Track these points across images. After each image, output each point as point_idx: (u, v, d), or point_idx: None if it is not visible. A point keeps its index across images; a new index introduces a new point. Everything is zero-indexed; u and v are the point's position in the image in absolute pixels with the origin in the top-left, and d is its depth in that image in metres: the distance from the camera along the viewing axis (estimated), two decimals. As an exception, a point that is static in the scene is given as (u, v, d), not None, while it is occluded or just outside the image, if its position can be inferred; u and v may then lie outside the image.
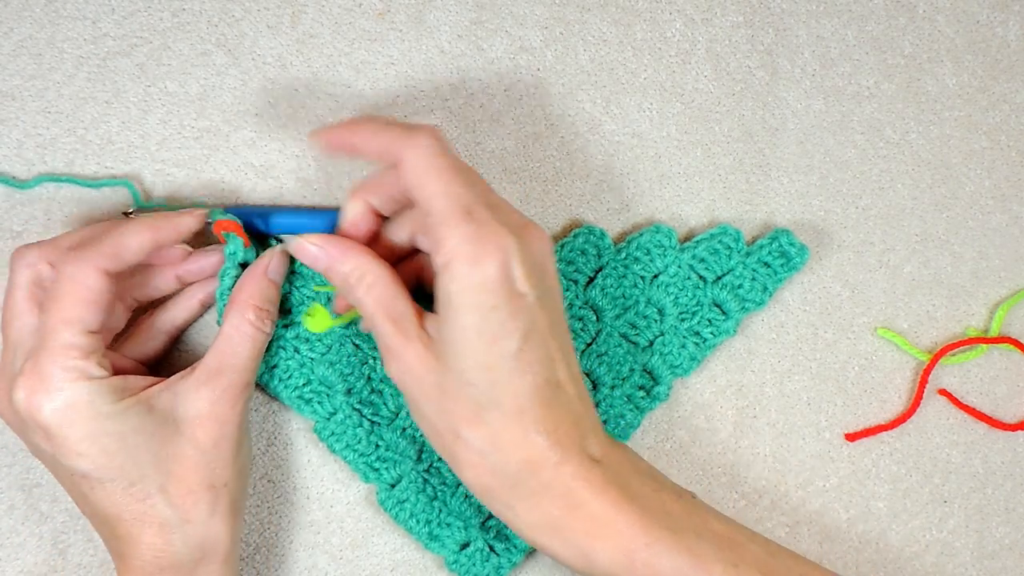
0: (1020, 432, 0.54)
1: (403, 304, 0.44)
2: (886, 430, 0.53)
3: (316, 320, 0.48)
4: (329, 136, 0.46)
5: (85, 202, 0.51)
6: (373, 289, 0.45)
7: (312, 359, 0.50)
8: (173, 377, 0.45)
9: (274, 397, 0.51)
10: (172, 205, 0.51)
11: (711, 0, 0.55)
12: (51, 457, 0.44)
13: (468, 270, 0.41)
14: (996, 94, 0.55)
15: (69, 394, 0.42)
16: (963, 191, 0.55)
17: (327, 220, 0.51)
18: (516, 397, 0.42)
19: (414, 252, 0.49)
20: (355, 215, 0.47)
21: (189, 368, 0.46)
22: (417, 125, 0.44)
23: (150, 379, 0.45)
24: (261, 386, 0.50)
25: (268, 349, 0.50)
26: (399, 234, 0.48)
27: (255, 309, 0.46)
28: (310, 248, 0.46)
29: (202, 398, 0.45)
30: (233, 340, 0.46)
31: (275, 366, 0.50)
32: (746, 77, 0.54)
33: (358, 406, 0.50)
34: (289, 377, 0.50)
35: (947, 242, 0.55)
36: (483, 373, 0.42)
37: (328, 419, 0.50)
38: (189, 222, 0.47)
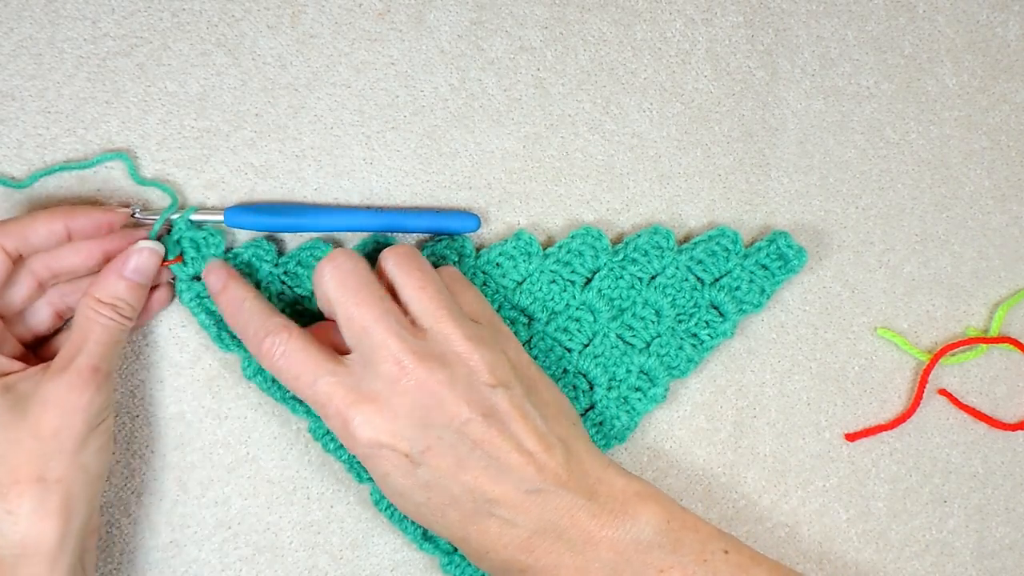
0: (1020, 432, 0.54)
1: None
2: (886, 430, 0.53)
3: None
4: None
5: (85, 200, 0.51)
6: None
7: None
8: (40, 365, 0.45)
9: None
10: (190, 221, 0.51)
11: (711, 0, 0.55)
12: None
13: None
14: (996, 94, 0.55)
15: None
16: (963, 191, 0.55)
17: (328, 220, 0.51)
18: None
19: None
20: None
21: (58, 355, 0.45)
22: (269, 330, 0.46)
23: (20, 364, 0.45)
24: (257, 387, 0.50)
25: None
26: None
27: (95, 300, 0.46)
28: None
29: (50, 385, 0.43)
30: (80, 327, 0.45)
31: (269, 367, 0.50)
32: (746, 77, 0.54)
33: (356, 406, 0.50)
34: (285, 377, 0.50)
35: (947, 242, 0.55)
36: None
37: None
38: (110, 218, 0.47)
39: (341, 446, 0.50)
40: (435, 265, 0.51)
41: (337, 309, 0.45)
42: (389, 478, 0.44)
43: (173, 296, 0.50)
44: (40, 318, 0.48)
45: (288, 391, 0.50)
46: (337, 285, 0.45)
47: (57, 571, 0.42)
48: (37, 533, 0.42)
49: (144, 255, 0.47)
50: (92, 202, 0.51)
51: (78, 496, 0.43)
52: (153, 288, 0.49)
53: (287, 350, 0.44)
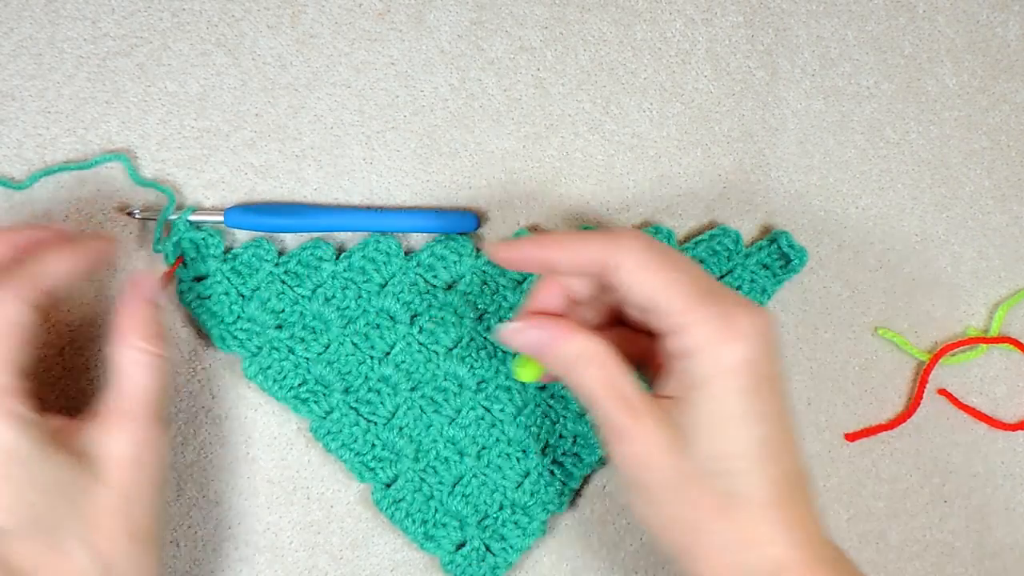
0: (1020, 432, 0.54)
1: (633, 385, 0.41)
2: (886, 430, 0.53)
3: (528, 370, 0.45)
4: (512, 253, 0.44)
5: (84, 202, 0.51)
6: (601, 368, 0.42)
7: (308, 359, 0.50)
8: (83, 418, 0.43)
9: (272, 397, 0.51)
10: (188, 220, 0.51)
11: (711, 0, 0.55)
12: None
13: (719, 352, 0.39)
14: (996, 94, 0.55)
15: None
16: (963, 191, 0.55)
17: (328, 220, 0.51)
18: (766, 489, 0.39)
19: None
20: (547, 300, 0.44)
21: (94, 409, 0.43)
22: (617, 230, 0.43)
23: (61, 419, 0.43)
24: (257, 387, 0.50)
25: (260, 351, 0.50)
26: (589, 316, 0.45)
27: (143, 337, 0.43)
28: (530, 332, 0.43)
29: (116, 440, 0.42)
30: (132, 374, 0.43)
31: (269, 367, 0.50)
32: (746, 77, 0.54)
33: (355, 405, 0.50)
34: (284, 377, 0.50)
35: (947, 242, 0.55)
36: (733, 461, 0.39)
37: (324, 418, 0.50)
38: (107, 247, 0.45)
39: (342, 445, 0.50)
40: (434, 265, 0.51)
41: None
42: None
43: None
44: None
45: (288, 391, 0.50)
46: None
47: None
48: None
49: (158, 279, 0.46)
50: (92, 202, 0.51)
51: (159, 540, 0.43)
52: None
53: None
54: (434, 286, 0.51)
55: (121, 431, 0.42)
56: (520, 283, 0.51)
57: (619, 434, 0.41)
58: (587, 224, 0.52)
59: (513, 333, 0.44)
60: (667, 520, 0.41)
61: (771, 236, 0.52)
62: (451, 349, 0.51)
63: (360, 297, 0.51)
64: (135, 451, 0.42)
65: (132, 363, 0.43)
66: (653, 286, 0.40)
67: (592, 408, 0.42)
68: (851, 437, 0.53)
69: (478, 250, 0.52)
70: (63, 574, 0.40)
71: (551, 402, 0.51)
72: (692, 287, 0.40)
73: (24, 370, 0.41)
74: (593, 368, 0.42)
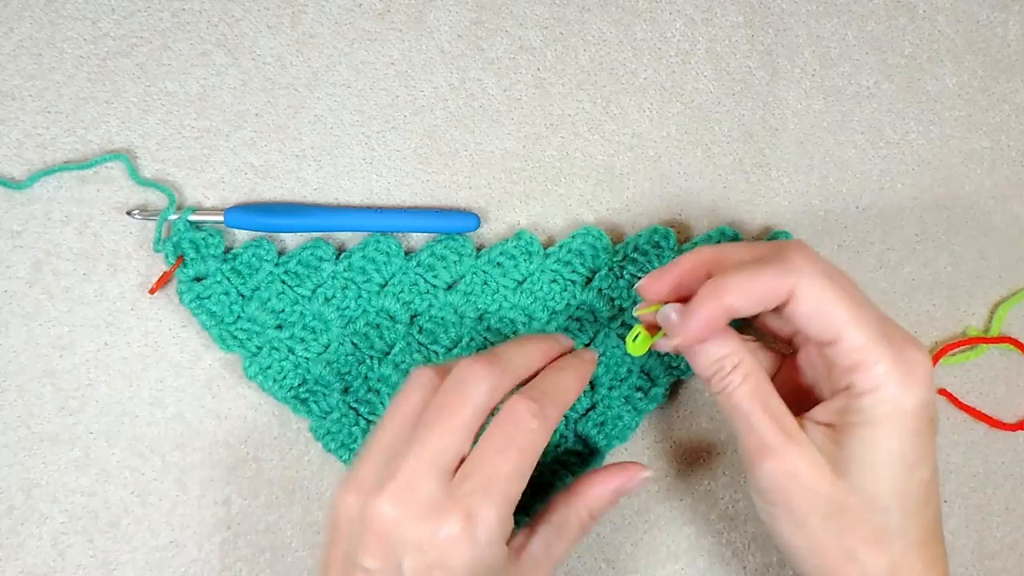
0: (1020, 432, 0.54)
1: (780, 402, 0.42)
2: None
3: (639, 344, 0.44)
4: (693, 324, 0.42)
5: (84, 202, 0.51)
6: (750, 379, 0.42)
7: (307, 359, 0.50)
8: (520, 551, 0.43)
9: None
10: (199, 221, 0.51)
11: (711, 0, 0.55)
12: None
13: (898, 395, 0.40)
14: (996, 94, 0.55)
15: (487, 550, 0.39)
16: (963, 191, 0.55)
17: (328, 220, 0.51)
18: (923, 528, 0.41)
19: None
20: (714, 318, 0.42)
21: (521, 544, 0.43)
22: (780, 247, 0.41)
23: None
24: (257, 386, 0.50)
25: (260, 351, 0.50)
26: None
27: (593, 512, 0.44)
28: (691, 322, 0.42)
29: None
30: (566, 534, 0.43)
31: (268, 367, 0.50)
32: (746, 77, 0.54)
33: (355, 405, 0.50)
34: (284, 377, 0.50)
35: (947, 242, 0.55)
36: (897, 499, 0.40)
37: (324, 418, 0.50)
38: (593, 363, 0.46)
39: (342, 445, 0.50)
40: (434, 265, 0.51)
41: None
42: None
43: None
44: None
45: (288, 391, 0.50)
46: None
47: None
48: None
49: (640, 476, 0.45)
50: (91, 203, 0.51)
51: None
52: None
53: None
54: (434, 286, 0.51)
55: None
56: (520, 283, 0.51)
57: (770, 451, 0.41)
58: (587, 225, 0.52)
59: (671, 315, 0.42)
60: (816, 544, 0.41)
61: (770, 236, 0.52)
62: (451, 349, 0.51)
63: (360, 297, 0.51)
64: None
65: (571, 525, 0.44)
66: (834, 319, 0.40)
67: (736, 419, 0.42)
68: (851, 437, 0.53)
69: (478, 250, 0.52)
70: None
71: None
72: (873, 321, 0.40)
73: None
74: (744, 380, 0.42)
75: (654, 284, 0.44)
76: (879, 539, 0.40)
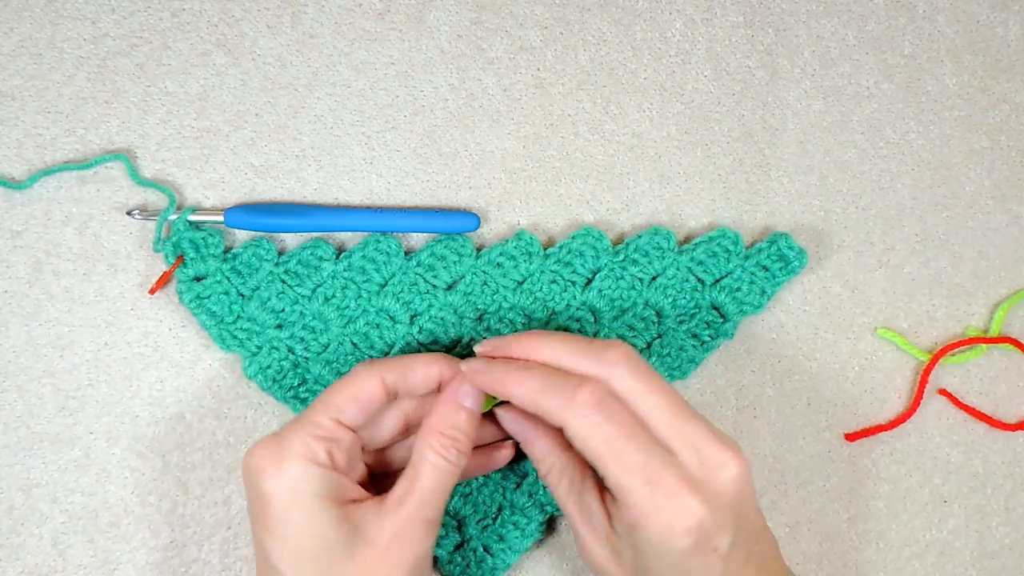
0: (1020, 432, 0.54)
1: (593, 501, 0.45)
2: (886, 430, 0.53)
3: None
4: (477, 377, 0.45)
5: (84, 202, 0.51)
6: (563, 480, 0.46)
7: (307, 359, 0.50)
8: (376, 497, 0.44)
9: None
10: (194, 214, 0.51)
11: (711, 0, 0.55)
12: (254, 526, 0.43)
13: (660, 537, 0.41)
14: (996, 94, 0.55)
15: (292, 469, 0.42)
16: (963, 191, 0.55)
17: (328, 220, 0.51)
18: None
19: None
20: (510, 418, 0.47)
21: (391, 491, 0.44)
22: (577, 377, 0.43)
23: (359, 492, 0.44)
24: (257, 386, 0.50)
25: (260, 351, 0.50)
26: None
27: (439, 436, 0.44)
28: (511, 417, 0.47)
29: (386, 525, 0.43)
30: (418, 468, 0.44)
31: (268, 367, 0.50)
32: (746, 77, 0.54)
33: (357, 406, 0.50)
34: (283, 377, 0.50)
35: (947, 242, 0.55)
36: None
37: (326, 418, 0.50)
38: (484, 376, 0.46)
39: None
40: (434, 265, 0.51)
41: None
42: None
43: (512, 455, 0.49)
44: (387, 429, 0.47)
45: (288, 391, 0.50)
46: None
47: None
48: None
49: (472, 386, 0.46)
50: (91, 203, 0.51)
51: None
52: (496, 446, 0.49)
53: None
54: (434, 286, 0.51)
55: (393, 517, 0.43)
56: (520, 283, 0.51)
57: (579, 539, 0.45)
58: (587, 226, 0.52)
59: (502, 410, 0.47)
60: None
61: (771, 238, 0.52)
62: (451, 349, 0.51)
63: (360, 297, 0.51)
64: (394, 544, 0.43)
65: (426, 462, 0.44)
66: (596, 457, 0.42)
67: (560, 505, 0.46)
68: (851, 437, 0.53)
69: (478, 250, 0.52)
70: None
71: None
72: (640, 468, 0.41)
73: (345, 425, 0.44)
74: (559, 480, 0.46)
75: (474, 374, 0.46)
76: None
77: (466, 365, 0.46)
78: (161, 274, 0.51)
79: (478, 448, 0.49)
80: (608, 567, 0.44)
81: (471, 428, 0.45)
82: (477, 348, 0.47)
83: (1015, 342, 0.54)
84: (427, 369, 0.46)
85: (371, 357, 0.50)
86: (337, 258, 0.51)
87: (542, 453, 0.46)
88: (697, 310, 0.52)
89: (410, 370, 0.45)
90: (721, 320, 0.52)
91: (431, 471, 0.43)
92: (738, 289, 0.52)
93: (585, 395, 0.42)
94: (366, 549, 0.42)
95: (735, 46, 0.55)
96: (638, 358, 0.43)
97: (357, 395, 0.44)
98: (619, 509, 0.43)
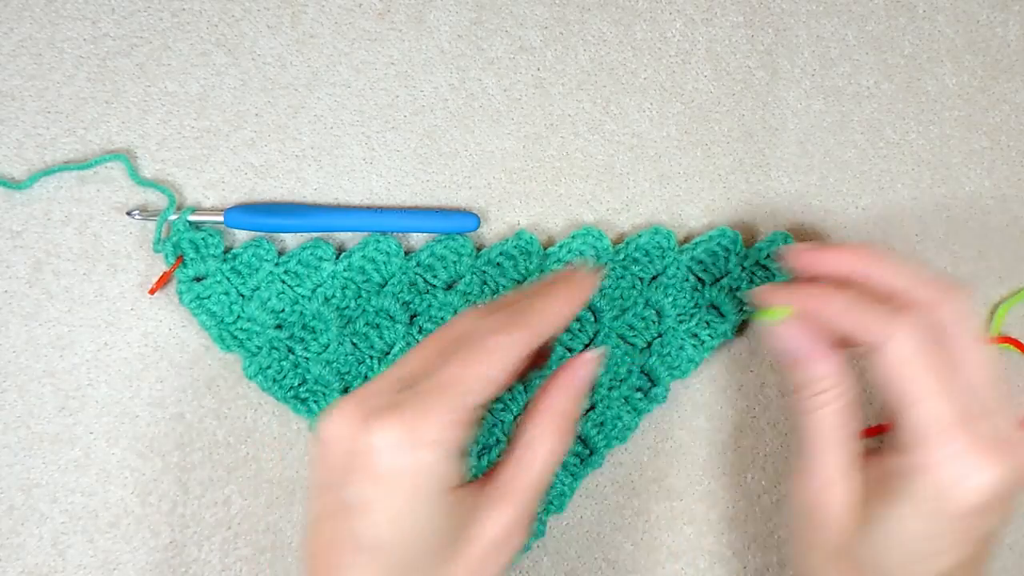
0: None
1: (854, 439, 0.42)
2: (887, 430, 0.53)
3: (768, 317, 0.45)
4: (790, 290, 0.43)
5: (84, 202, 0.51)
6: (835, 406, 0.42)
7: (307, 359, 0.50)
8: (475, 484, 0.39)
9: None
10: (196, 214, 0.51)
11: (711, 0, 0.55)
12: (340, 498, 0.37)
13: (946, 485, 0.39)
14: (996, 94, 0.55)
15: (426, 454, 0.36)
16: (963, 191, 0.55)
17: (328, 220, 0.51)
18: None
19: None
20: (798, 331, 0.43)
21: (493, 474, 0.40)
22: (905, 304, 0.41)
23: (461, 474, 0.39)
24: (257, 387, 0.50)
25: (260, 351, 0.50)
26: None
27: (559, 418, 0.40)
28: (795, 333, 0.43)
29: (493, 521, 0.38)
30: (531, 453, 0.39)
31: (268, 367, 0.50)
32: (746, 77, 0.54)
33: (357, 405, 0.50)
34: (283, 377, 0.50)
35: (947, 242, 0.55)
36: (901, 572, 0.41)
37: (326, 418, 0.50)
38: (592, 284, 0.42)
39: None
40: (433, 265, 0.51)
41: None
42: None
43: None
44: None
45: (288, 391, 0.50)
46: None
47: None
48: None
49: (590, 365, 0.41)
50: (91, 203, 0.51)
51: None
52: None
53: None
54: (434, 286, 0.51)
55: (498, 517, 0.38)
56: (520, 283, 0.51)
57: (818, 478, 0.42)
58: (587, 226, 0.52)
59: (779, 324, 0.43)
60: (813, 571, 0.43)
61: (771, 237, 0.52)
62: (451, 349, 0.51)
63: (360, 297, 0.51)
64: (501, 534, 0.38)
65: (544, 448, 0.39)
66: (909, 390, 0.40)
67: (808, 435, 0.43)
68: (851, 437, 0.53)
69: (478, 250, 0.52)
70: None
71: None
72: (951, 414, 0.39)
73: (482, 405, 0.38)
74: (830, 405, 0.42)
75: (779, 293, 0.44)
76: None
77: (762, 291, 0.44)
78: (161, 274, 0.51)
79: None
80: (835, 507, 0.41)
81: (577, 410, 0.41)
82: (779, 250, 0.44)
83: (1015, 342, 0.54)
84: (571, 306, 0.40)
85: (371, 357, 0.50)
86: (337, 258, 0.51)
87: (823, 373, 0.42)
88: (697, 309, 0.52)
89: (548, 328, 0.39)
90: (721, 320, 0.52)
91: (547, 458, 0.39)
92: (738, 288, 0.52)
93: (912, 318, 0.40)
94: (468, 547, 0.38)
95: (735, 46, 0.55)
96: (957, 318, 0.41)
97: (498, 379, 0.38)
98: (905, 448, 0.40)
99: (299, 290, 0.50)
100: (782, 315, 0.44)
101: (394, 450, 0.36)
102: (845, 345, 0.43)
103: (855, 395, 0.43)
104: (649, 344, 0.51)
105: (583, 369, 0.41)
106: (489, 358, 0.38)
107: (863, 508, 0.41)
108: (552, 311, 0.40)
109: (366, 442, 0.36)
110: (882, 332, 0.40)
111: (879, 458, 0.42)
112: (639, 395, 0.51)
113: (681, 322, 0.52)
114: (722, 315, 0.52)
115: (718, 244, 0.52)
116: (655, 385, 0.51)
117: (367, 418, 0.36)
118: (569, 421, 0.40)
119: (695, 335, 0.52)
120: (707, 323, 0.52)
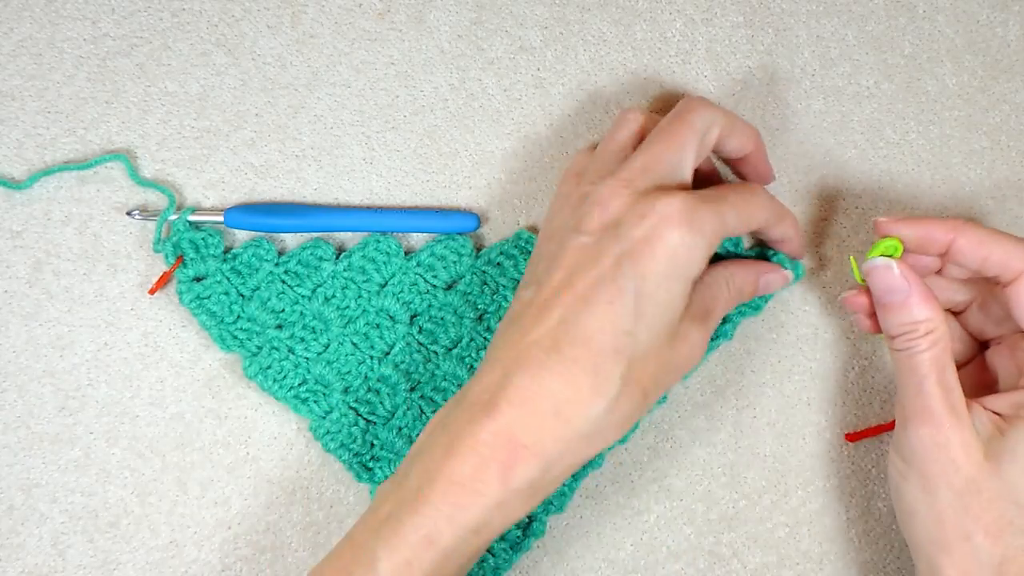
0: (1020, 432, 0.54)
1: (955, 377, 0.44)
2: (887, 430, 0.53)
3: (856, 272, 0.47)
4: (918, 229, 0.45)
5: (84, 202, 0.51)
6: (935, 347, 0.44)
7: (307, 358, 0.50)
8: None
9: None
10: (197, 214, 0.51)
11: (711, 0, 0.55)
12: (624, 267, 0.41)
13: None
14: (996, 94, 0.55)
15: (698, 238, 0.42)
16: (963, 191, 0.55)
17: (328, 220, 0.51)
18: None
19: None
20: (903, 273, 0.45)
21: None
22: None
23: None
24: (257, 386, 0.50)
25: (260, 351, 0.50)
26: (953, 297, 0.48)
27: (739, 278, 0.47)
28: (895, 273, 0.45)
29: (697, 333, 0.44)
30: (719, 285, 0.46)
31: (268, 367, 0.50)
32: (746, 77, 0.54)
33: (355, 405, 0.50)
34: (284, 377, 0.50)
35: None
36: None
37: (324, 418, 0.50)
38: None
39: (341, 445, 0.50)
40: (433, 265, 0.51)
41: None
42: None
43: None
44: None
45: (288, 391, 0.50)
46: None
47: None
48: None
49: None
50: (91, 203, 0.51)
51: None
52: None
53: None
54: (434, 286, 0.51)
55: (701, 332, 0.44)
56: (519, 283, 0.51)
57: (930, 418, 0.43)
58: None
59: (879, 264, 0.45)
60: (938, 514, 0.43)
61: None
62: (450, 349, 0.51)
63: (360, 297, 0.51)
64: (695, 350, 0.44)
65: (722, 288, 0.46)
66: None
67: (908, 380, 0.44)
68: (851, 437, 0.53)
69: (478, 250, 0.52)
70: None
71: None
72: None
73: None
74: (930, 347, 0.43)
75: (899, 224, 0.46)
76: (1001, 530, 0.42)
77: (884, 218, 0.46)
78: (161, 274, 0.51)
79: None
80: (955, 446, 0.43)
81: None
82: (883, 219, 0.46)
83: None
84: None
85: (371, 357, 0.50)
86: (337, 258, 0.51)
87: (931, 313, 0.44)
88: None
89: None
90: (721, 323, 0.51)
91: (722, 310, 0.46)
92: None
93: None
94: (681, 345, 0.43)
95: (735, 46, 0.55)
96: None
97: (752, 217, 0.44)
98: None
99: (299, 290, 0.50)
100: (893, 252, 0.45)
101: (681, 223, 0.41)
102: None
103: (948, 333, 0.44)
104: (649, 344, 0.51)
105: (778, 275, 0.48)
106: (752, 199, 0.46)
107: (985, 447, 0.43)
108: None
109: (650, 205, 0.42)
110: (1017, 265, 0.42)
111: (997, 398, 0.44)
112: None
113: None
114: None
115: (720, 247, 0.52)
116: None
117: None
118: (741, 296, 0.47)
119: (695, 335, 0.51)
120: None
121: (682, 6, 0.54)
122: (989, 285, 0.47)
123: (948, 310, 0.49)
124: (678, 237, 0.41)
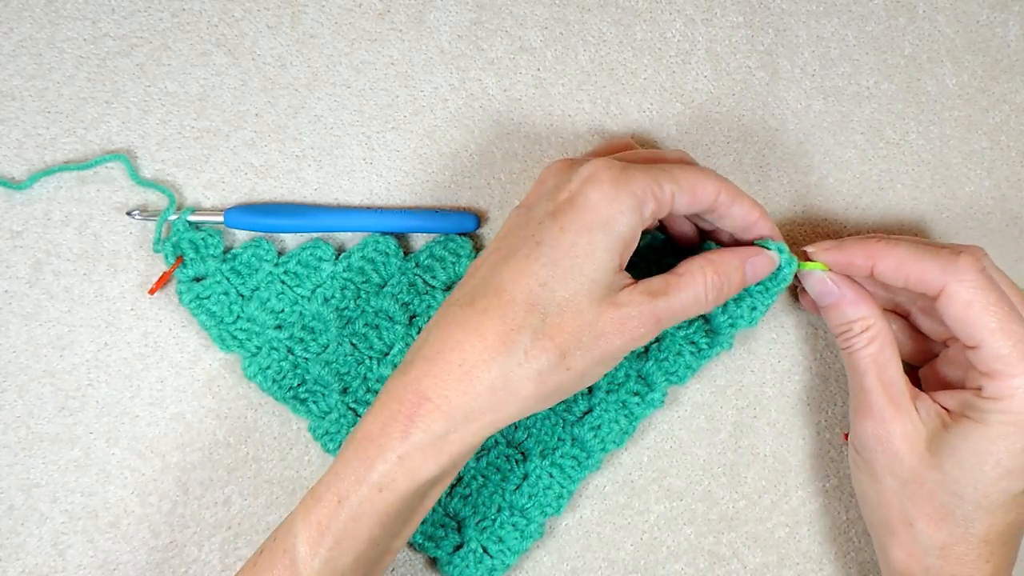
0: (1020, 432, 0.54)
1: (897, 371, 0.46)
2: (886, 430, 0.53)
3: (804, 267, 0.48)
4: (839, 256, 0.47)
5: (84, 202, 0.51)
6: (874, 344, 0.46)
7: (306, 359, 0.50)
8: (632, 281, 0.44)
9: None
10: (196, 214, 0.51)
11: (711, 0, 0.55)
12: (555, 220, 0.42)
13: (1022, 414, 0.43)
14: (996, 94, 0.55)
15: (624, 201, 0.42)
16: (963, 191, 0.55)
17: (328, 220, 0.51)
18: (991, 528, 0.44)
19: None
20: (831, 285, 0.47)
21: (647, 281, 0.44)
22: (955, 248, 0.45)
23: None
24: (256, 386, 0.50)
25: (259, 351, 0.50)
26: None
27: (715, 273, 0.45)
28: (828, 283, 0.47)
29: (636, 301, 0.43)
30: (681, 282, 0.44)
31: (268, 367, 0.50)
32: (746, 77, 0.54)
33: (354, 405, 0.50)
34: (283, 377, 0.50)
35: (947, 242, 0.55)
36: (976, 494, 0.44)
37: (323, 418, 0.50)
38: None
39: (340, 446, 0.50)
40: (432, 266, 0.51)
41: None
42: None
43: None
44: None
45: (287, 391, 0.50)
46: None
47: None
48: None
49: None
50: (91, 203, 0.51)
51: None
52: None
53: None
54: (433, 287, 0.51)
55: (638, 304, 0.43)
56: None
57: (871, 413, 0.46)
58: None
59: (815, 275, 0.47)
60: (884, 500, 0.46)
61: (762, 243, 0.51)
62: (451, 349, 0.51)
63: (359, 297, 0.51)
64: (628, 322, 0.43)
65: (695, 283, 0.44)
66: (980, 325, 0.43)
67: (853, 376, 0.47)
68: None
69: (478, 250, 0.52)
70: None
71: None
72: (1020, 336, 0.43)
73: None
74: (868, 343, 0.46)
75: (824, 252, 0.47)
76: (943, 518, 0.44)
77: (812, 247, 0.47)
78: (161, 274, 0.51)
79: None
80: (896, 439, 0.45)
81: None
82: (811, 248, 0.47)
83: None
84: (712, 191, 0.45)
85: (370, 358, 0.50)
86: (337, 258, 0.51)
87: (863, 313, 0.46)
88: (697, 317, 0.51)
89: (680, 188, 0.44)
90: (704, 319, 0.51)
91: (691, 292, 0.44)
92: (737, 297, 0.50)
93: (968, 261, 0.44)
94: (612, 309, 0.42)
95: (735, 46, 0.55)
96: (992, 267, 0.45)
97: (696, 190, 0.43)
98: (977, 381, 0.44)
99: (299, 290, 0.50)
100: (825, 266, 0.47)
101: (607, 186, 0.42)
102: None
103: (888, 331, 0.46)
104: (647, 349, 0.51)
105: (763, 257, 0.46)
106: (699, 179, 0.44)
107: (928, 440, 0.44)
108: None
109: (576, 170, 0.42)
110: (940, 280, 0.44)
111: (946, 394, 0.45)
112: (636, 399, 0.51)
113: (679, 328, 0.51)
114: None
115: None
116: (652, 390, 0.51)
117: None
118: (729, 283, 0.45)
119: (693, 342, 0.51)
120: (705, 332, 0.51)
121: (682, 6, 0.54)
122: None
123: (896, 312, 0.50)
124: (599, 191, 0.42)
